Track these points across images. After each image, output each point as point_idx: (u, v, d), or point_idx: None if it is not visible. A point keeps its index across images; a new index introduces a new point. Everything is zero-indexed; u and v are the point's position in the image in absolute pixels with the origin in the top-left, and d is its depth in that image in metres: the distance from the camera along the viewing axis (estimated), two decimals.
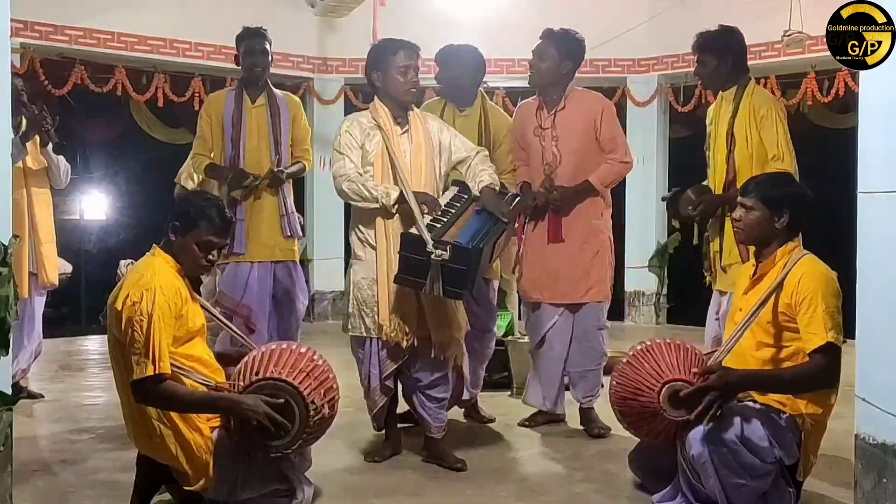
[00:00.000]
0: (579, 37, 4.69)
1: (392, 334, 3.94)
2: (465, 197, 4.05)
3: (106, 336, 3.34)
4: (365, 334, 4.03)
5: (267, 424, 3.13)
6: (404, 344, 3.97)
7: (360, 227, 4.06)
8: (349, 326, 4.10)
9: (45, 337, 5.55)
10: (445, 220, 3.85)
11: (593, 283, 4.66)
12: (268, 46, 4.97)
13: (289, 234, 4.97)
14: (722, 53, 4.29)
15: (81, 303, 9.83)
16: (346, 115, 9.29)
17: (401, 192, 3.90)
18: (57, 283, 5.42)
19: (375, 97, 4.14)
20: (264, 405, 3.15)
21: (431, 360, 4.04)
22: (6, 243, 2.72)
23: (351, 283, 4.08)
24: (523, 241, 4.79)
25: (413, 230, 3.79)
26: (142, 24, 8.33)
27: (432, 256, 3.63)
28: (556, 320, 4.69)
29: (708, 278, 4.42)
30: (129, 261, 5.63)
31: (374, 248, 4.00)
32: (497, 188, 4.05)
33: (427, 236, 3.69)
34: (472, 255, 3.67)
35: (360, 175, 3.96)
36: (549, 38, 4.65)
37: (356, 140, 4.01)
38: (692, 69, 4.60)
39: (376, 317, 3.96)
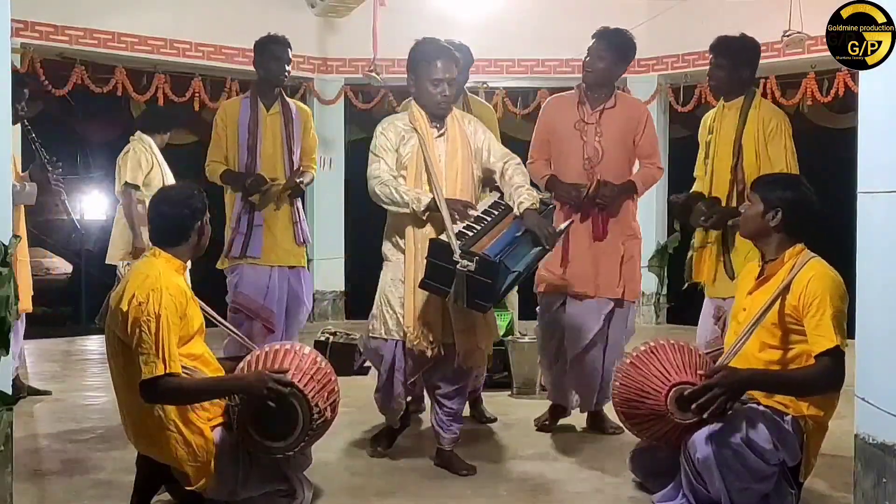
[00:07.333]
0: (631, 35, 4.68)
1: (416, 342, 3.86)
2: (504, 206, 3.91)
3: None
4: (386, 336, 3.96)
5: (275, 392, 3.13)
6: (429, 353, 3.89)
7: (394, 231, 3.98)
8: (370, 328, 4.02)
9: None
10: (479, 227, 3.72)
11: (629, 281, 4.67)
12: (290, 55, 5.04)
13: (301, 241, 5.07)
14: (742, 62, 4.35)
15: (81, 303, 9.79)
16: (346, 115, 9.41)
17: (432, 199, 3.78)
18: (31, 308, 5.39)
19: (412, 98, 4.08)
20: (269, 376, 3.16)
21: (452, 370, 3.97)
22: (6, 243, 2.72)
23: (379, 286, 4.02)
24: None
25: (443, 236, 3.65)
26: (142, 25, 8.34)
27: (458, 266, 3.51)
28: (603, 320, 4.62)
29: (686, 283, 4.52)
30: (126, 261, 5.65)
31: (404, 252, 3.93)
32: (538, 207, 3.83)
33: (455, 244, 3.55)
34: (500, 269, 3.54)
35: (394, 178, 3.88)
36: (605, 38, 4.62)
37: (391, 143, 3.93)
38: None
39: (401, 319, 3.90)
